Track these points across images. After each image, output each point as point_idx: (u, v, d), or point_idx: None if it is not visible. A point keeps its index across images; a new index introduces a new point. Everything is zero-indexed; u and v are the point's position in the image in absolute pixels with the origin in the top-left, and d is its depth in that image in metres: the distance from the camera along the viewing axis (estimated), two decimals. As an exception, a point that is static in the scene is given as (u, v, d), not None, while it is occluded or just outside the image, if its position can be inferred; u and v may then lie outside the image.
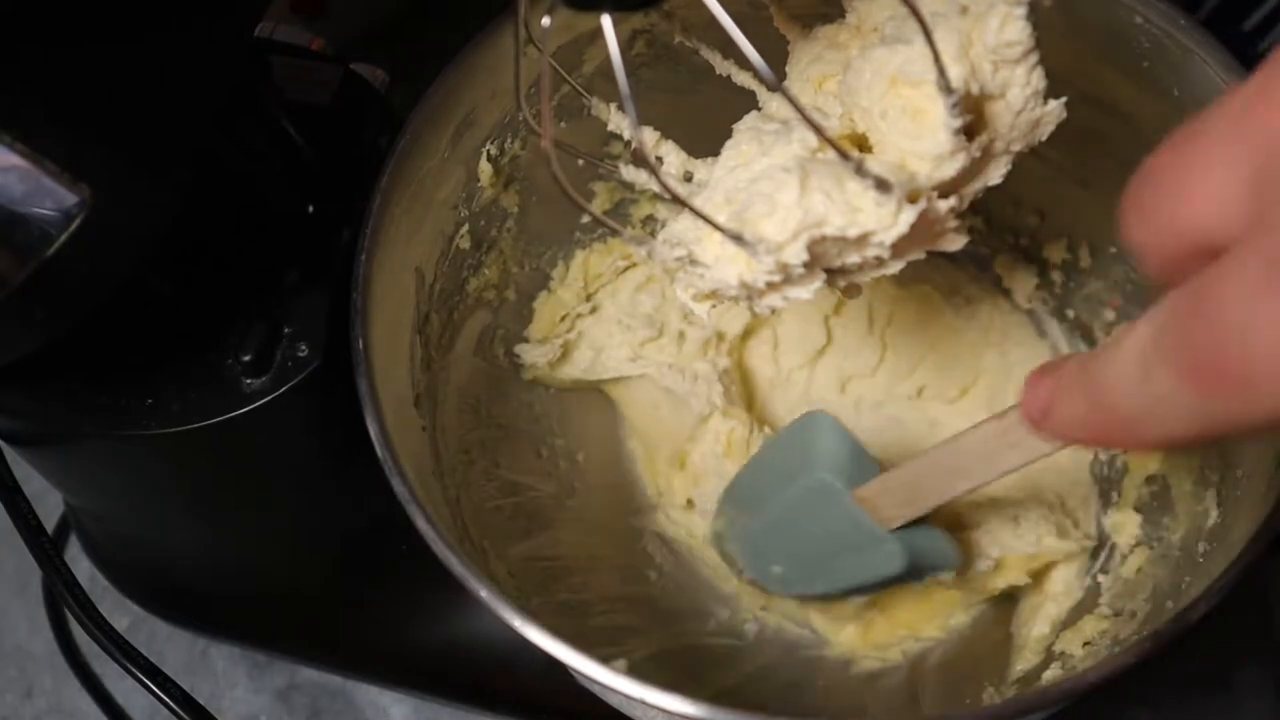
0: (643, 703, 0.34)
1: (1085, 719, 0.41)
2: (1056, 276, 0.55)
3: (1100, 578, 0.49)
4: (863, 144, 0.34)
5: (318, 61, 0.49)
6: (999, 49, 0.31)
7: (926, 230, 0.33)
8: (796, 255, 0.31)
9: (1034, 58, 0.32)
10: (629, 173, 0.40)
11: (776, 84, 0.28)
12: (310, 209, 0.46)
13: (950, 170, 0.32)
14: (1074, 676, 0.37)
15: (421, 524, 0.37)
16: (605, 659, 0.35)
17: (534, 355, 0.54)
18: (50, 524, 0.54)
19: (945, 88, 0.30)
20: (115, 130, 0.34)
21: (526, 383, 0.55)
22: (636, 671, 0.34)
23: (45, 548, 0.50)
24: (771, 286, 0.33)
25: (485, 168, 0.48)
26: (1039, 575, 0.50)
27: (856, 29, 0.36)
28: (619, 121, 0.39)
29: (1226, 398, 0.22)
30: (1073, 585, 0.50)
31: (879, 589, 0.47)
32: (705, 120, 0.38)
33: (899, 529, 0.41)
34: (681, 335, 0.56)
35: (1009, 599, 0.52)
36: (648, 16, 0.46)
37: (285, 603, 0.55)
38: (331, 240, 0.44)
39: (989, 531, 0.50)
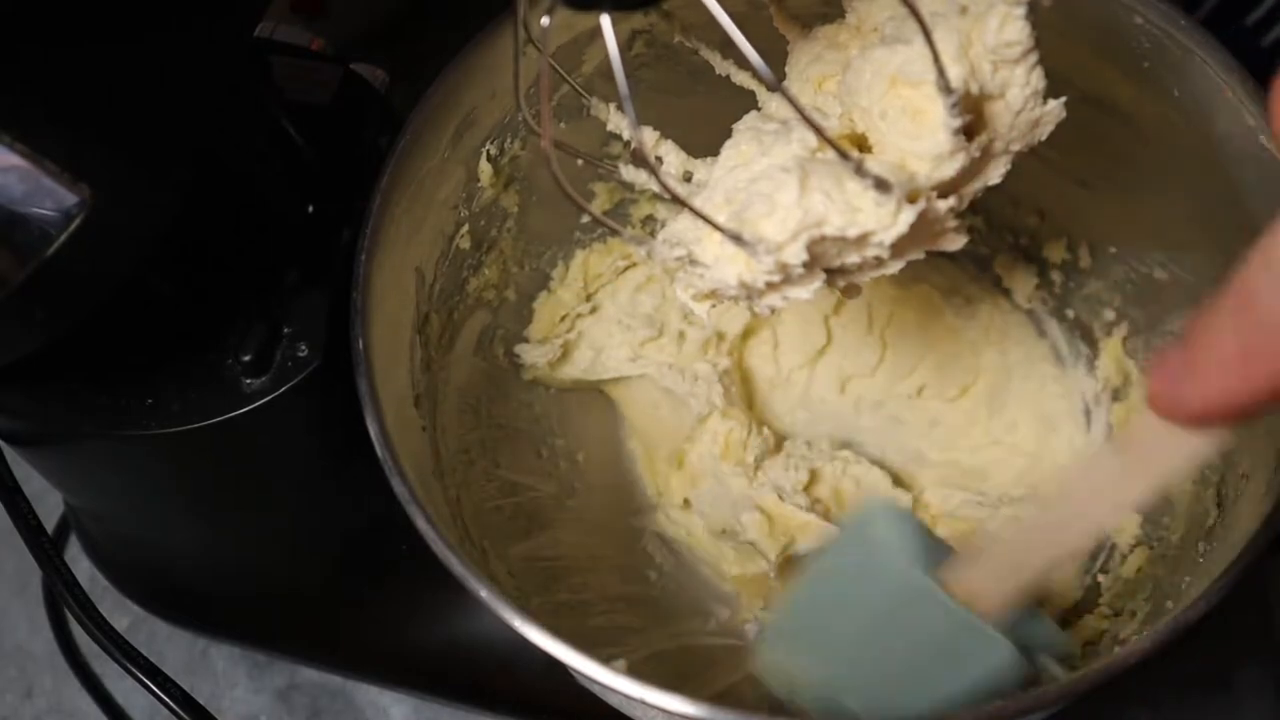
0: (643, 703, 0.34)
1: (1085, 719, 0.41)
2: (1056, 276, 0.55)
3: (1100, 578, 0.49)
4: (862, 144, 0.34)
5: (318, 61, 0.49)
6: (998, 49, 0.31)
7: (926, 230, 0.33)
8: (796, 255, 0.31)
9: (1033, 58, 0.32)
10: (629, 173, 0.40)
11: (776, 84, 0.28)
12: (310, 209, 0.46)
13: (950, 170, 0.32)
14: (1074, 677, 0.37)
15: (421, 524, 0.37)
16: (605, 659, 0.35)
17: (534, 355, 0.54)
18: (50, 524, 0.54)
19: (945, 88, 0.30)
20: (115, 130, 0.34)
21: (526, 383, 0.55)
22: (636, 671, 0.34)
23: (45, 548, 0.50)
24: (771, 286, 0.33)
25: (485, 168, 0.48)
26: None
27: (856, 29, 0.36)
28: (618, 121, 0.39)
29: None
30: (1073, 585, 0.50)
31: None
32: (705, 120, 0.38)
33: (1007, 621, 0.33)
34: (681, 335, 0.56)
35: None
36: (647, 16, 0.46)
37: (285, 603, 0.55)
38: (331, 240, 0.44)
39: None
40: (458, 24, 0.45)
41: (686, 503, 0.54)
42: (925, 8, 0.31)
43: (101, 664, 0.60)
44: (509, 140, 0.48)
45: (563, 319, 0.55)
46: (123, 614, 0.59)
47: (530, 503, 0.53)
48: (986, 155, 0.33)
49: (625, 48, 0.47)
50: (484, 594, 0.36)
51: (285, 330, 0.43)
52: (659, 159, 0.38)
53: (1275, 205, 0.40)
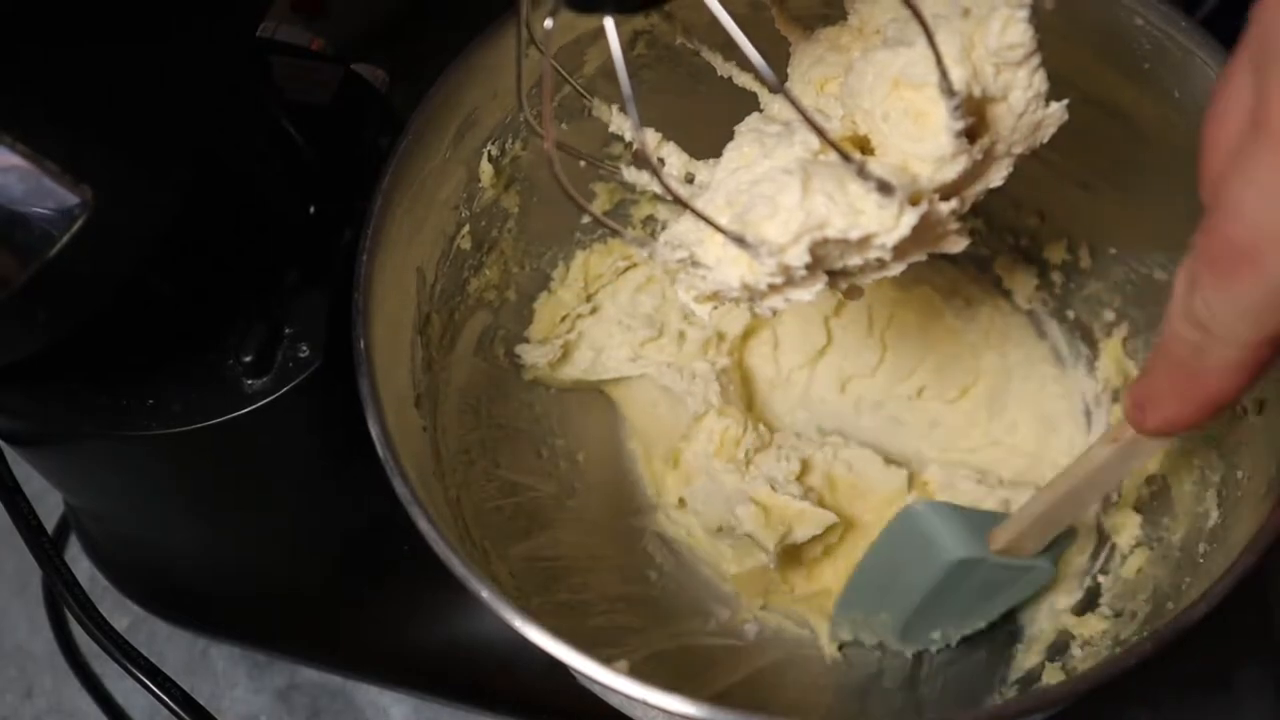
0: (643, 703, 0.34)
1: (1085, 719, 0.41)
2: (1056, 277, 0.55)
3: (1100, 578, 0.49)
4: (864, 146, 0.34)
5: (318, 61, 0.49)
6: (1001, 51, 0.31)
7: (928, 232, 0.33)
8: (798, 257, 0.31)
9: (1036, 60, 0.32)
10: (630, 174, 0.40)
11: (778, 86, 0.28)
12: (310, 209, 0.46)
13: (952, 172, 0.32)
14: (1074, 678, 0.37)
15: (422, 524, 0.37)
16: (605, 659, 0.35)
17: (534, 355, 0.54)
18: (50, 524, 0.54)
19: (947, 90, 0.30)
20: (115, 130, 0.33)
21: (527, 383, 0.55)
22: (637, 671, 0.34)
23: (45, 548, 0.50)
24: (773, 288, 0.33)
25: (486, 168, 0.48)
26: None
27: (858, 31, 0.36)
28: (620, 123, 0.39)
29: (1245, 278, 0.26)
30: (1073, 585, 0.50)
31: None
32: (707, 122, 0.38)
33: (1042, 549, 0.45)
34: (682, 335, 0.56)
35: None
36: (649, 18, 0.46)
37: (285, 603, 0.55)
38: (332, 240, 0.44)
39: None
40: (458, 24, 0.45)
41: (682, 502, 0.54)
42: (928, 10, 0.31)
43: (101, 664, 0.60)
44: (510, 141, 0.48)
45: (563, 319, 0.55)
46: (123, 614, 0.59)
47: (530, 503, 0.53)
48: (988, 158, 0.33)
49: (627, 49, 0.47)
50: (484, 594, 0.36)
51: (286, 330, 0.43)
52: (661, 160, 0.38)
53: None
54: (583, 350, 0.56)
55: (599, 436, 0.57)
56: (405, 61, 0.51)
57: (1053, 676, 0.47)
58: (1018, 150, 0.33)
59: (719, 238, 0.32)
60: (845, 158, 0.30)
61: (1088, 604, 0.49)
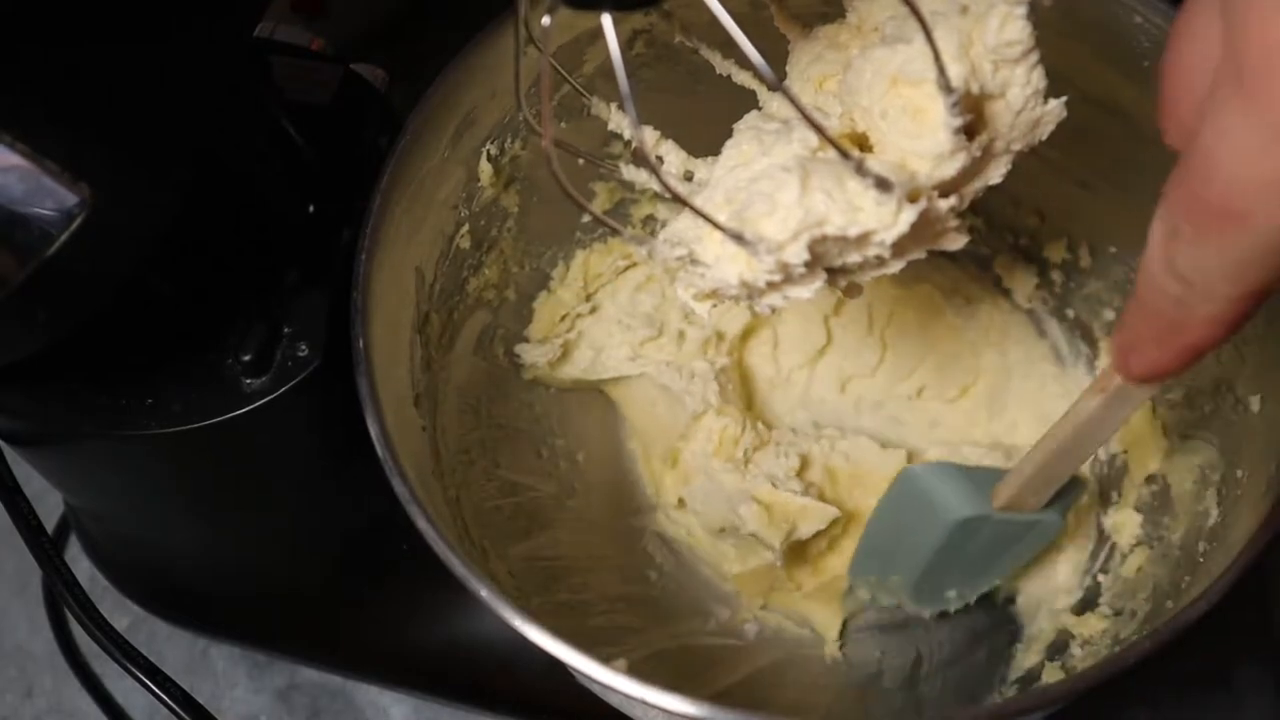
0: (643, 702, 0.34)
1: (1085, 718, 0.41)
2: (1056, 276, 0.55)
3: (1100, 577, 0.49)
4: (863, 143, 0.34)
5: (318, 61, 0.49)
6: (999, 48, 0.31)
7: (927, 229, 0.33)
8: (797, 255, 0.31)
9: (1034, 57, 0.32)
10: (629, 172, 0.40)
11: (777, 83, 0.28)
12: (310, 209, 0.46)
13: (950, 169, 0.32)
14: (1074, 676, 0.37)
15: (422, 524, 0.37)
16: (605, 659, 0.35)
17: (534, 355, 0.54)
18: (50, 524, 0.54)
19: (945, 87, 0.30)
20: (115, 130, 0.34)
21: (526, 383, 0.55)
22: (636, 671, 0.34)
23: (45, 548, 0.50)
24: (772, 286, 0.33)
25: (485, 167, 0.48)
26: (1040, 571, 0.51)
27: (857, 28, 0.36)
28: (619, 121, 0.39)
29: (1223, 231, 0.25)
30: (1073, 584, 0.50)
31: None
32: (705, 119, 0.38)
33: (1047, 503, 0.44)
34: (681, 335, 0.56)
35: (1009, 599, 0.52)
36: (648, 16, 0.46)
37: (285, 603, 0.55)
38: (331, 240, 0.44)
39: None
40: (458, 24, 0.45)
41: (681, 502, 0.54)
42: (926, 7, 0.31)
43: (101, 664, 0.60)
44: (509, 140, 0.48)
45: (563, 319, 0.55)
46: (123, 614, 0.59)
47: (530, 503, 0.53)
48: (987, 155, 0.33)
49: (626, 47, 0.47)
50: (484, 594, 0.36)
51: (285, 330, 0.43)
52: (660, 158, 0.38)
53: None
54: (582, 350, 0.56)
55: (599, 436, 0.57)
56: (405, 61, 0.51)
57: (1052, 675, 0.47)
58: (1016, 147, 0.33)
59: (718, 235, 0.32)
60: (844, 155, 0.30)
61: (1087, 603, 0.49)
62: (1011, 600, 0.52)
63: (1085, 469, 0.51)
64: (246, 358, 0.42)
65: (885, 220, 0.31)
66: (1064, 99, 0.33)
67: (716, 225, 0.31)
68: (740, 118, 0.37)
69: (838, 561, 0.53)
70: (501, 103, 0.46)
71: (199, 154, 0.37)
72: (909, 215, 0.31)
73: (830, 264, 0.33)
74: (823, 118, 0.35)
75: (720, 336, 0.56)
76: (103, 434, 0.43)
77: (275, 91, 0.45)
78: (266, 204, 0.46)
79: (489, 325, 0.53)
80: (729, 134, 0.36)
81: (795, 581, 0.53)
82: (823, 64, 0.36)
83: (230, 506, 0.49)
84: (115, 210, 0.33)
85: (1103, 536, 0.51)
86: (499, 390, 0.53)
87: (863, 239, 0.32)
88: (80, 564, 0.56)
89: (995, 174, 0.34)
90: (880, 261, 0.33)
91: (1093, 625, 0.47)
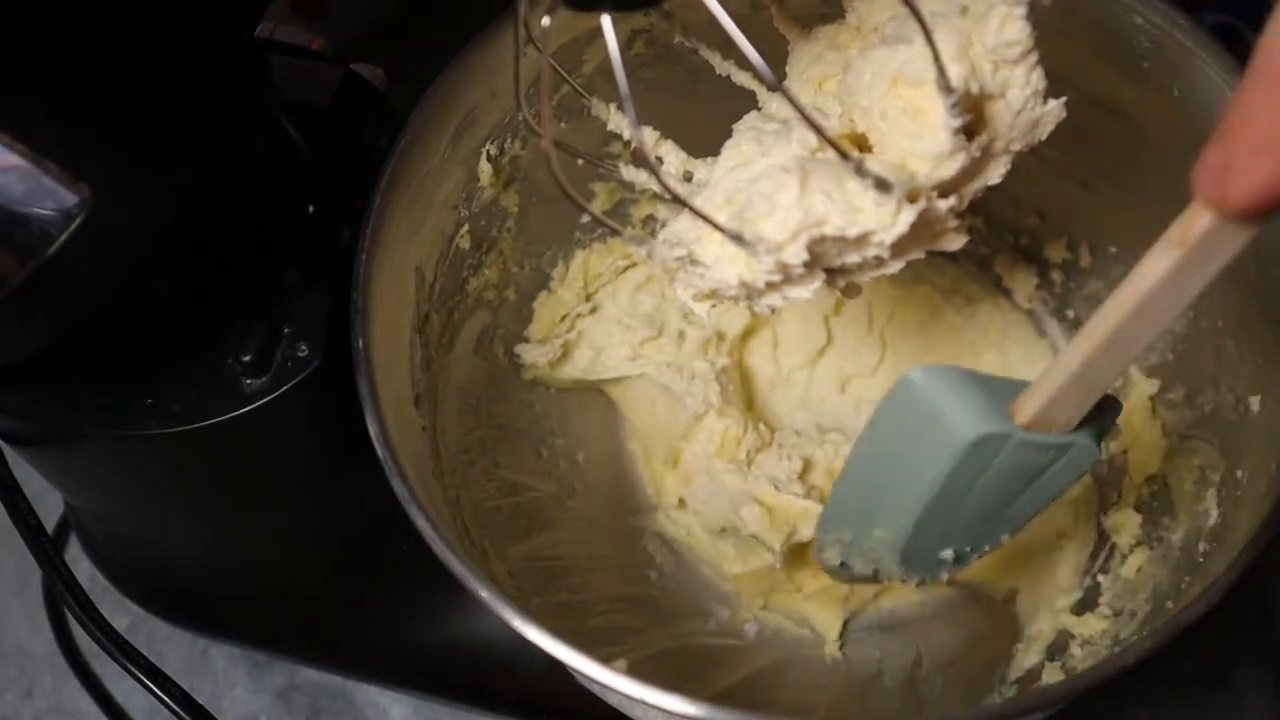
0: (643, 703, 0.34)
1: (1085, 718, 0.41)
2: (1056, 276, 0.55)
3: (1100, 578, 0.49)
4: (862, 144, 0.34)
5: (318, 61, 0.49)
6: (999, 49, 0.31)
7: (926, 230, 0.33)
8: (796, 255, 0.31)
9: (1033, 57, 0.32)
10: (629, 173, 0.40)
11: (776, 84, 0.28)
12: (310, 209, 0.46)
13: (950, 170, 0.32)
14: (1074, 676, 0.37)
15: (421, 524, 0.37)
16: (605, 659, 0.35)
17: (534, 355, 0.54)
18: (50, 524, 0.54)
19: (945, 87, 0.30)
20: (115, 130, 0.34)
21: (526, 383, 0.55)
22: (636, 671, 0.34)
23: (45, 548, 0.50)
24: (771, 286, 0.33)
25: (485, 168, 0.48)
26: (1040, 570, 0.51)
27: (856, 29, 0.36)
28: (619, 121, 0.39)
29: None
30: (1073, 585, 0.50)
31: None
32: (705, 120, 0.38)
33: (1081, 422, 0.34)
34: (681, 335, 0.56)
35: (1009, 599, 0.52)
36: (647, 16, 0.46)
37: (285, 603, 0.55)
38: (331, 240, 0.44)
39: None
40: (458, 24, 0.45)
41: (682, 502, 0.54)
42: (925, 8, 0.31)
43: (101, 664, 0.60)
44: (509, 140, 0.48)
45: (563, 319, 0.55)
46: (123, 614, 0.59)
47: (530, 503, 0.53)
48: (987, 155, 0.33)
49: (625, 47, 0.47)
50: (484, 594, 0.36)
51: (285, 330, 0.43)
52: (659, 159, 0.38)
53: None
54: (582, 350, 0.56)
55: (599, 436, 0.57)
56: (405, 61, 0.51)
57: (1052, 676, 0.47)
58: (1016, 148, 0.33)
59: (717, 236, 0.32)
60: (843, 155, 0.30)
61: (1087, 603, 0.49)
62: (1011, 600, 0.52)
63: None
64: (246, 358, 0.42)
65: (884, 221, 0.31)
66: (1064, 99, 0.33)
67: (716, 226, 0.31)
68: (740, 118, 0.37)
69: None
70: (501, 103, 0.46)
71: (199, 154, 0.37)
72: (908, 216, 0.31)
73: (829, 264, 0.33)
74: (822, 118, 0.35)
75: (720, 337, 0.56)
76: (103, 434, 0.43)
77: (275, 91, 0.45)
78: (266, 204, 0.46)
79: (489, 325, 0.53)
80: (728, 134, 0.36)
81: (795, 583, 0.53)
82: (822, 64, 0.36)
83: (230, 506, 0.49)
84: (115, 210, 0.33)
85: (1103, 537, 0.51)
86: (499, 390, 0.53)
87: (862, 239, 0.32)
88: (80, 564, 0.56)
89: (995, 174, 0.34)
90: (880, 262, 0.33)
91: (1093, 625, 0.47)
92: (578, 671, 0.35)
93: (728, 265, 0.33)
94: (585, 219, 0.56)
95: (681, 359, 0.55)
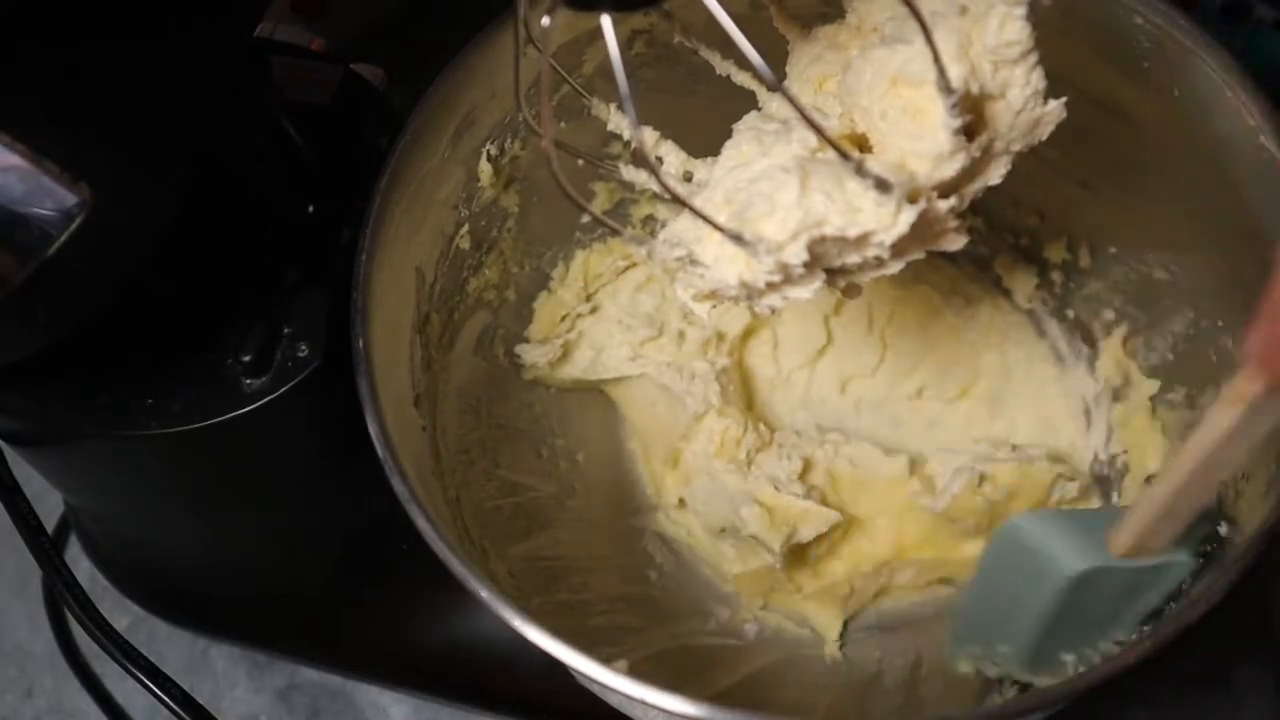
0: (643, 703, 0.34)
1: (1085, 718, 0.41)
2: (1056, 276, 0.55)
3: (1100, 577, 0.49)
4: (862, 144, 0.34)
5: (318, 61, 0.49)
6: (999, 49, 0.31)
7: (926, 230, 0.33)
8: (796, 255, 0.31)
9: (1033, 58, 0.32)
10: (629, 173, 0.40)
11: (776, 84, 0.28)
12: (310, 209, 0.46)
13: (950, 170, 0.32)
14: (1074, 676, 0.37)
15: (421, 524, 0.37)
16: (605, 659, 0.35)
17: (534, 355, 0.54)
18: (50, 524, 0.54)
19: (945, 88, 0.30)
20: (115, 130, 0.34)
21: (527, 383, 0.55)
22: (636, 672, 0.34)
23: (45, 548, 0.50)
24: (771, 286, 0.33)
25: (485, 168, 0.48)
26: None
27: (856, 29, 0.36)
28: (619, 121, 0.39)
29: None
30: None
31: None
32: (705, 120, 0.38)
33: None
34: (681, 335, 0.56)
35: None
36: (647, 16, 0.46)
37: (285, 603, 0.55)
38: (331, 240, 0.45)
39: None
40: (458, 24, 0.45)
41: (681, 502, 0.54)
42: (925, 8, 0.31)
43: (101, 664, 0.60)
44: (509, 140, 0.48)
45: (563, 319, 0.55)
46: (123, 614, 0.59)
47: (530, 503, 0.53)
48: (987, 155, 0.33)
49: (625, 47, 0.47)
50: (484, 594, 0.36)
51: (285, 330, 0.43)
52: (659, 159, 0.38)
53: (1275, 205, 0.40)
54: (582, 350, 0.56)
55: (599, 436, 0.57)
56: (405, 61, 0.51)
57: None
58: (1016, 148, 0.33)
59: (717, 236, 0.32)
60: (843, 155, 0.30)
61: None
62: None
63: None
64: (246, 358, 0.42)
65: (884, 221, 0.31)
66: (1063, 99, 0.33)
67: (716, 226, 0.31)
68: (740, 118, 0.37)
69: (838, 565, 0.53)
70: (501, 103, 0.46)
71: (199, 154, 0.37)
72: (908, 216, 0.31)
73: (829, 264, 0.33)
74: (822, 118, 0.35)
75: (720, 337, 0.56)
76: (103, 434, 0.43)
77: (275, 91, 0.45)
78: (266, 204, 0.46)
79: (489, 325, 0.53)
80: (728, 134, 0.36)
81: (795, 584, 0.53)
82: (822, 64, 0.36)
83: (230, 506, 0.49)
84: (115, 210, 0.33)
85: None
86: (499, 390, 0.53)
87: (862, 239, 0.32)
88: (80, 564, 0.56)
89: (995, 174, 0.34)
90: (880, 262, 0.33)
91: (1093, 625, 0.47)
92: (578, 671, 0.35)
93: (728, 265, 0.33)
94: (585, 219, 0.56)
95: (681, 359, 0.55)
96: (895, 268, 0.34)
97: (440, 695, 0.56)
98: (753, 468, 0.52)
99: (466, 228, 0.49)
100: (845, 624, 0.53)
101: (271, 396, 0.42)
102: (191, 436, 0.42)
